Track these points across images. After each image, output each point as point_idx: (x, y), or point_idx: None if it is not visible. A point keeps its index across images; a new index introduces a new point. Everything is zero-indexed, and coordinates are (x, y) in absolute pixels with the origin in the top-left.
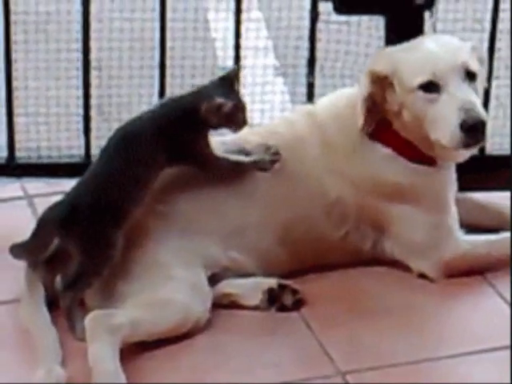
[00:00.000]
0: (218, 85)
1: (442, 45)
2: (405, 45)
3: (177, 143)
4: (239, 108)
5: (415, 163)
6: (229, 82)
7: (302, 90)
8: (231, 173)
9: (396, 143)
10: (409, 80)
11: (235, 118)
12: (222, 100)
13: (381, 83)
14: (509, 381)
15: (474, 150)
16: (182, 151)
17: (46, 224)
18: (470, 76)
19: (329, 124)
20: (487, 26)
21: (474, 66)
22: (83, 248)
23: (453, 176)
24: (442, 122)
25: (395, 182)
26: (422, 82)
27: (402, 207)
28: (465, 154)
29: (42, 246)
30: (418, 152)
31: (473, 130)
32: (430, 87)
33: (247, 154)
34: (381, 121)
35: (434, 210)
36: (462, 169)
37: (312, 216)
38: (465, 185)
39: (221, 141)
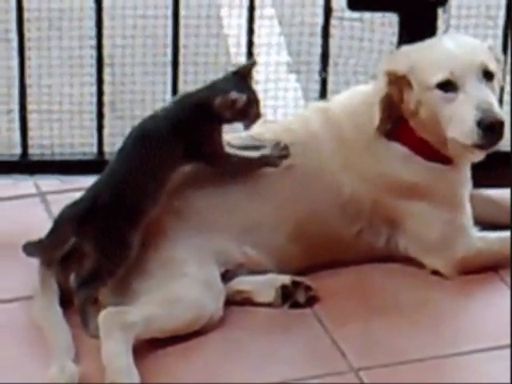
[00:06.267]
0: (232, 79)
1: (461, 44)
2: (422, 44)
3: (192, 139)
4: (252, 102)
5: (431, 162)
6: (243, 75)
7: (315, 86)
8: (241, 169)
9: (412, 142)
10: (426, 78)
11: (249, 112)
12: (235, 95)
13: (398, 83)
14: None
15: (491, 150)
16: (197, 147)
17: (64, 223)
18: (488, 76)
19: (343, 121)
20: (500, 22)
21: (492, 66)
22: (100, 247)
23: (468, 174)
24: (459, 121)
25: (411, 181)
26: (440, 80)
27: (416, 204)
28: (479, 155)
29: (59, 244)
30: (434, 151)
31: (490, 129)
32: (448, 86)
33: (259, 149)
34: (397, 120)
35: (449, 207)
36: None
37: (326, 213)
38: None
39: (236, 136)
